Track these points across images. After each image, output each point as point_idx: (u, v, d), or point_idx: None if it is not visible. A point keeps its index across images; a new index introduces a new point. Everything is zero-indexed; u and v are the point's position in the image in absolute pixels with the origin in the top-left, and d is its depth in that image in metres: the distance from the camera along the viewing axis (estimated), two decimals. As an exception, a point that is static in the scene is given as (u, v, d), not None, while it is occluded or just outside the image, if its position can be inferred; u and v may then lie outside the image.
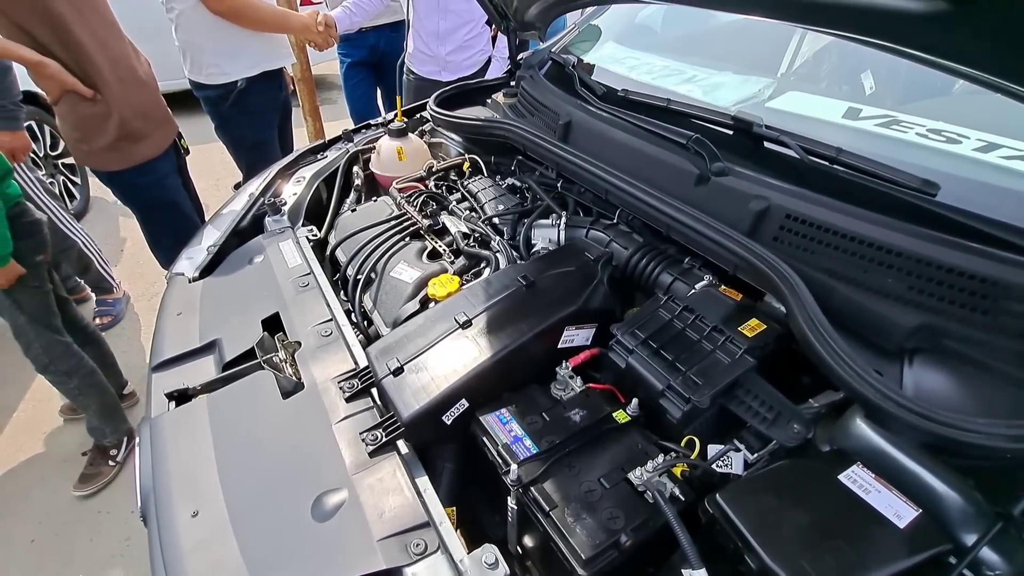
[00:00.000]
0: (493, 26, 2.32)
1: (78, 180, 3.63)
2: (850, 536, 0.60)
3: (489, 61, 2.53)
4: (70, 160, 3.55)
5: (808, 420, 0.72)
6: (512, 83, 1.75)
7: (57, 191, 3.40)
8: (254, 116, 2.02)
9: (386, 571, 0.65)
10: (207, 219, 1.52)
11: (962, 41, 0.66)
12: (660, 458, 0.74)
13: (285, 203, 1.46)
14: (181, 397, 0.96)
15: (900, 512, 0.61)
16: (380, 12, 2.41)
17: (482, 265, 1.17)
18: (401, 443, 0.82)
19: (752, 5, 0.86)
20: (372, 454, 0.79)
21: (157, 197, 1.76)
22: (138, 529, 1.72)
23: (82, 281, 2.67)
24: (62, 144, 3.47)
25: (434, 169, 1.54)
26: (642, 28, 1.84)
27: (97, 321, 2.60)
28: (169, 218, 1.78)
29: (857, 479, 0.65)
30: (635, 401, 0.82)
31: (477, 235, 1.23)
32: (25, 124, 3.24)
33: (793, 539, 0.60)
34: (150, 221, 1.83)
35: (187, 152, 1.87)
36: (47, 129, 3.36)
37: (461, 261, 1.20)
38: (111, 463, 1.86)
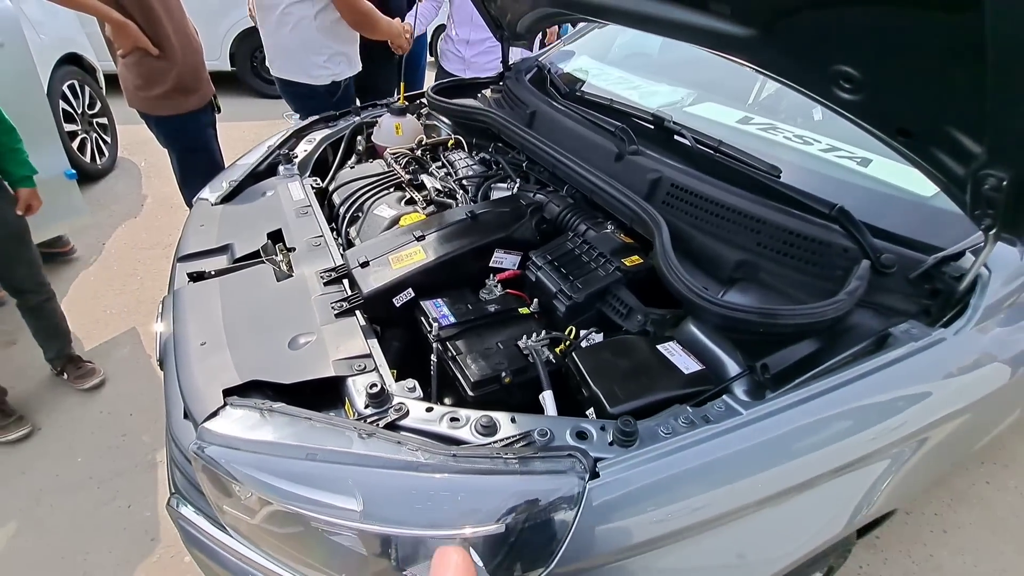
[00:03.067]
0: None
1: (108, 140, 3.96)
2: (650, 376, 0.88)
3: None
4: (104, 120, 3.88)
5: (648, 313, 1.01)
6: (500, 83, 2.07)
7: (90, 147, 3.73)
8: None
9: (334, 378, 0.93)
10: (227, 165, 1.82)
11: (771, 57, 0.97)
12: (543, 333, 1.02)
13: (297, 156, 1.76)
14: (199, 277, 1.25)
15: (689, 366, 0.89)
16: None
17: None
18: (359, 314, 1.10)
19: (644, 22, 1.16)
20: (338, 316, 1.07)
21: (195, 142, 2.08)
22: (134, 428, 1.99)
23: None
24: (98, 104, 3.81)
25: (424, 143, 1.84)
26: (616, 48, 2.15)
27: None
28: (202, 161, 2.09)
29: (669, 348, 0.93)
30: (536, 301, 1.11)
31: (447, 190, 1.53)
32: (67, 84, 3.53)
33: (613, 376, 0.88)
34: (185, 162, 2.14)
35: (219, 111, 2.19)
36: (87, 89, 3.70)
37: (431, 209, 1.49)
38: (89, 364, 2.13)
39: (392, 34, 2.32)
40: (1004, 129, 0.71)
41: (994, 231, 0.84)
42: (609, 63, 2.00)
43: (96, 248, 3.03)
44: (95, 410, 2.07)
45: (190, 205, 2.28)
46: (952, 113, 0.78)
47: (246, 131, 4.41)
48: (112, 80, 4.39)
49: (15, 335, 2.31)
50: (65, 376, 2.12)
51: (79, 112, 3.59)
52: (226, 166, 1.91)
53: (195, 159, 2.11)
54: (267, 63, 2.28)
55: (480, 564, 0.69)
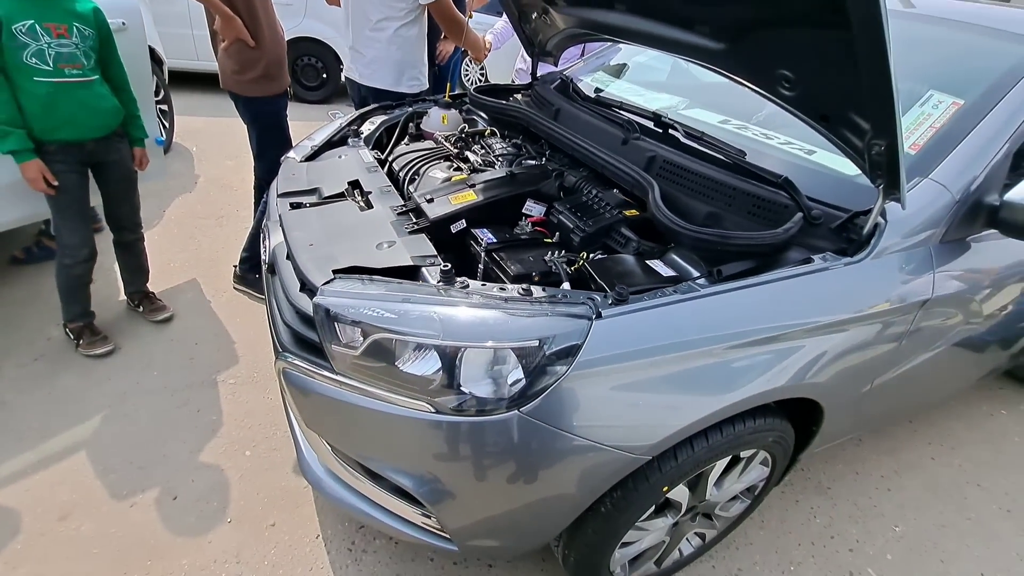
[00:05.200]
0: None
1: (167, 125, 4.39)
2: (639, 276, 1.24)
3: None
4: (165, 107, 4.33)
5: (641, 243, 1.37)
6: (529, 89, 2.49)
7: (152, 131, 4.16)
8: None
9: (411, 267, 1.28)
10: (300, 141, 2.22)
11: (736, 64, 1.36)
12: (562, 253, 1.38)
13: (362, 133, 2.16)
14: (298, 206, 1.62)
15: (667, 272, 1.25)
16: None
17: (486, 177, 1.84)
18: (425, 236, 1.46)
19: (646, 39, 1.56)
20: (410, 233, 1.43)
21: (274, 121, 2.50)
22: (200, 354, 2.34)
23: None
24: (162, 92, 4.26)
25: (465, 130, 2.24)
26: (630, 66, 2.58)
27: None
28: (276, 138, 2.50)
29: (654, 263, 1.30)
30: (558, 235, 1.47)
31: (488, 162, 1.91)
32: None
33: (613, 275, 1.24)
34: (263, 138, 2.54)
35: (292, 97, 2.61)
36: (155, 79, 4.14)
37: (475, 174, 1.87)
38: (160, 301, 2.49)
39: (475, 45, 2.74)
40: (876, 109, 1.09)
41: (882, 186, 1.21)
42: (621, 79, 2.42)
43: (158, 214, 3.41)
44: (166, 338, 2.42)
45: (258, 177, 2.67)
46: (850, 101, 1.17)
47: (291, 130, 4.87)
48: (174, 75, 4.85)
49: (93, 275, 2.66)
50: (140, 309, 2.48)
51: (145, 99, 4.02)
52: (295, 144, 2.31)
53: (271, 136, 2.52)
54: (359, 74, 2.63)
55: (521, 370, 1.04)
